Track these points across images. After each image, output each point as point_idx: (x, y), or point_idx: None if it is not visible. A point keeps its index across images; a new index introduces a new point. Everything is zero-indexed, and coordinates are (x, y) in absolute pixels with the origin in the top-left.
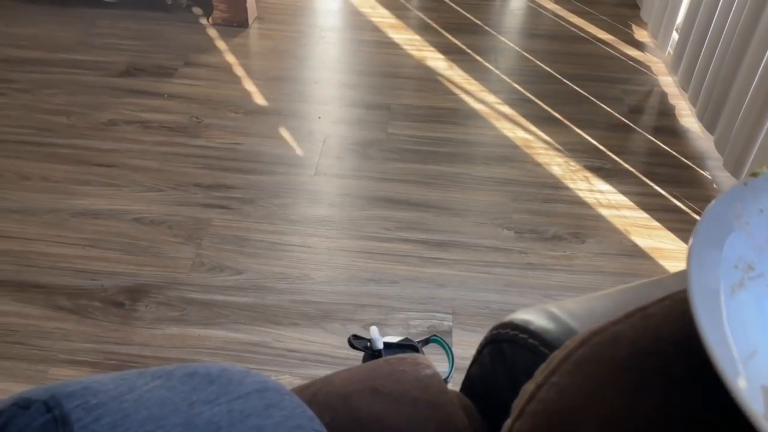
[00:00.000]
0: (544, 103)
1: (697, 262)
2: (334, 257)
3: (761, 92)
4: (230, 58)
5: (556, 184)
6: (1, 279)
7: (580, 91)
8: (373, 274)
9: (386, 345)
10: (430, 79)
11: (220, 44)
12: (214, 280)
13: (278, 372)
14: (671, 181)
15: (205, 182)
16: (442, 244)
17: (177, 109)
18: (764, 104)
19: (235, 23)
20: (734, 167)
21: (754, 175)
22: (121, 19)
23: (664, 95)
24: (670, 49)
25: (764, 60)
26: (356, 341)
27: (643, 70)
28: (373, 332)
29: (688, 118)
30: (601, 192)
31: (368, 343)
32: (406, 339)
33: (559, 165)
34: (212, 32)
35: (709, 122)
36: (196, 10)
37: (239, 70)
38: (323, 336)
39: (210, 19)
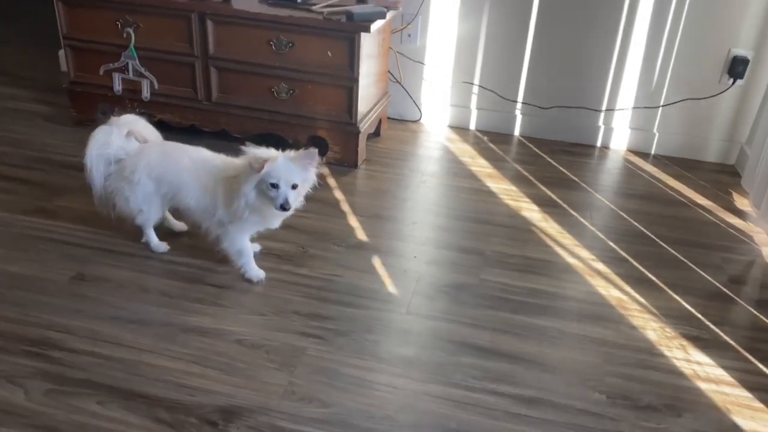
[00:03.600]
0: (640, 265)
1: None
2: (419, 401)
3: None
4: (338, 195)
5: (651, 350)
6: (111, 385)
7: (677, 255)
8: (459, 425)
9: None
10: (524, 229)
11: (331, 181)
12: (302, 411)
13: None
14: None
15: (304, 310)
16: (530, 400)
17: (287, 238)
18: None
19: (346, 164)
20: None
21: None
22: None
23: (767, 267)
24: None
25: None
26: None
27: (745, 239)
28: None
29: None
30: (699, 363)
31: None
32: None
33: (654, 330)
34: (325, 170)
35: None
36: (313, 149)
37: (345, 206)
38: None
39: (324, 159)
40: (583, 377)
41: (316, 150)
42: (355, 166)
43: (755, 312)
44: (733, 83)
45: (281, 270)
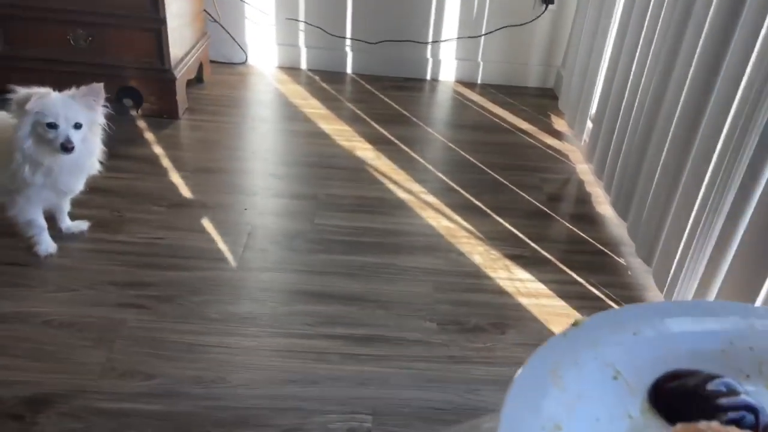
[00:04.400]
0: (467, 193)
1: (508, 426)
2: (253, 358)
3: (666, 179)
4: (158, 150)
5: (477, 273)
6: None
7: (501, 180)
8: (293, 375)
9: None
10: (358, 169)
11: (149, 135)
12: (124, 387)
13: None
14: (588, 269)
15: (121, 280)
16: (365, 339)
17: (99, 203)
18: (670, 191)
19: (165, 115)
20: (646, 254)
21: (575, 325)
22: None
23: (581, 183)
24: (585, 138)
25: (666, 148)
26: None
27: (562, 158)
28: None
29: (603, 206)
30: (520, 280)
31: None
32: None
33: (480, 254)
34: (142, 124)
35: (622, 209)
36: (127, 101)
37: (166, 162)
38: None
39: (140, 111)
40: (415, 308)
41: (101, 85)
42: (176, 116)
43: (570, 226)
44: (546, 8)
45: (94, 239)
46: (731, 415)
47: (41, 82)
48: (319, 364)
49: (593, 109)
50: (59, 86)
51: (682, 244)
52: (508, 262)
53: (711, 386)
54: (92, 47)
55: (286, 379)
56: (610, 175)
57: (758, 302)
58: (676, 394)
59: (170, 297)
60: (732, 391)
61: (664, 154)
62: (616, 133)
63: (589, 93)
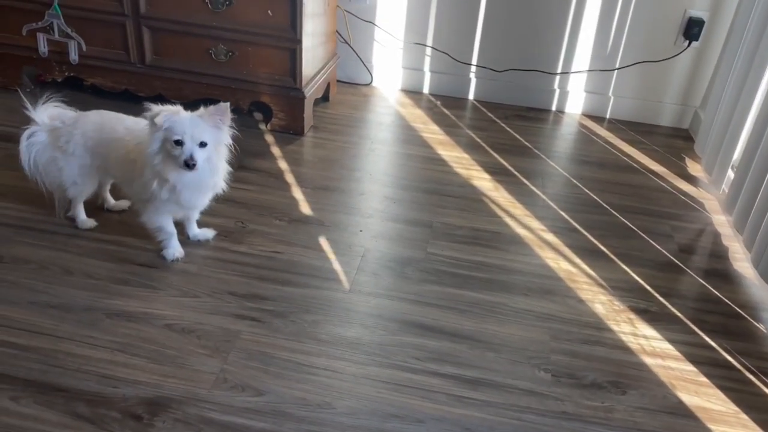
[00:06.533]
0: (591, 235)
1: None
2: (359, 386)
3: None
4: (282, 165)
5: (598, 325)
6: (26, 378)
7: (628, 224)
8: (398, 410)
9: None
10: (474, 199)
11: (275, 150)
12: (234, 400)
13: None
14: (722, 332)
15: (240, 291)
16: (474, 381)
17: (225, 213)
18: None
19: (292, 131)
20: None
21: None
22: None
23: (717, 235)
24: (725, 187)
25: None
26: None
27: (696, 206)
28: None
29: (742, 263)
30: (645, 337)
31: None
32: None
33: (602, 303)
34: (269, 138)
35: (765, 270)
36: (257, 115)
37: (289, 177)
38: None
39: (269, 126)
40: (528, 355)
41: (228, 104)
42: (302, 133)
43: (703, 282)
44: (689, 45)
45: (218, 248)
46: None
47: (181, 92)
48: (426, 403)
49: (736, 155)
50: (198, 95)
51: None
52: (632, 316)
53: None
54: (231, 62)
55: (391, 413)
56: (753, 231)
57: None
58: None
59: (284, 313)
60: None
61: None
62: (764, 184)
63: (732, 138)
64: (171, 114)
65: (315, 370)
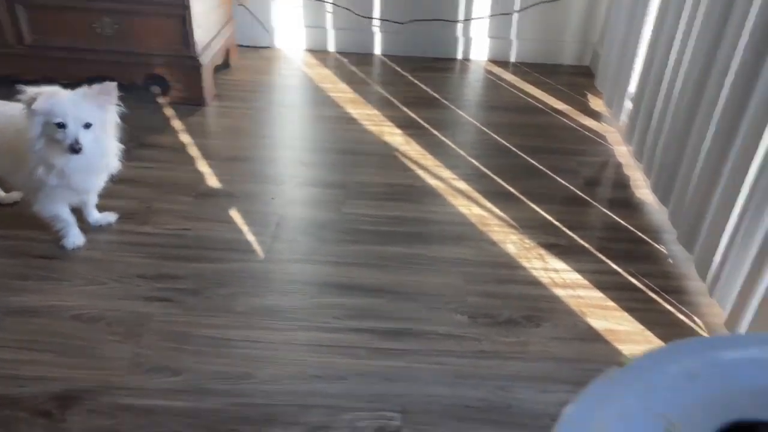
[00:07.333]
0: (500, 178)
1: None
2: (279, 352)
3: (710, 164)
4: (185, 138)
5: (510, 264)
6: None
7: (536, 164)
8: (320, 370)
9: None
10: (387, 155)
11: (176, 124)
12: (150, 383)
13: None
14: (626, 257)
15: (149, 273)
16: (394, 333)
17: (126, 194)
18: (714, 174)
19: (193, 102)
20: (688, 241)
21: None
22: None
23: (619, 166)
24: (624, 118)
25: (711, 131)
26: None
27: (599, 140)
28: None
29: (643, 190)
30: (555, 271)
31: None
32: None
33: (513, 243)
34: (169, 111)
35: (663, 194)
36: (154, 89)
37: (193, 150)
38: None
39: (167, 98)
40: (446, 300)
41: (114, 83)
42: (203, 103)
43: (607, 212)
44: None
45: (122, 231)
46: None
47: (68, 72)
48: (347, 360)
49: (632, 87)
50: (87, 73)
51: (727, 230)
52: (542, 252)
53: None
54: (118, 35)
55: (314, 374)
56: (650, 157)
57: None
58: None
59: (197, 290)
60: None
61: (708, 134)
62: (656, 112)
63: (628, 71)
64: (49, 95)
65: (233, 342)
